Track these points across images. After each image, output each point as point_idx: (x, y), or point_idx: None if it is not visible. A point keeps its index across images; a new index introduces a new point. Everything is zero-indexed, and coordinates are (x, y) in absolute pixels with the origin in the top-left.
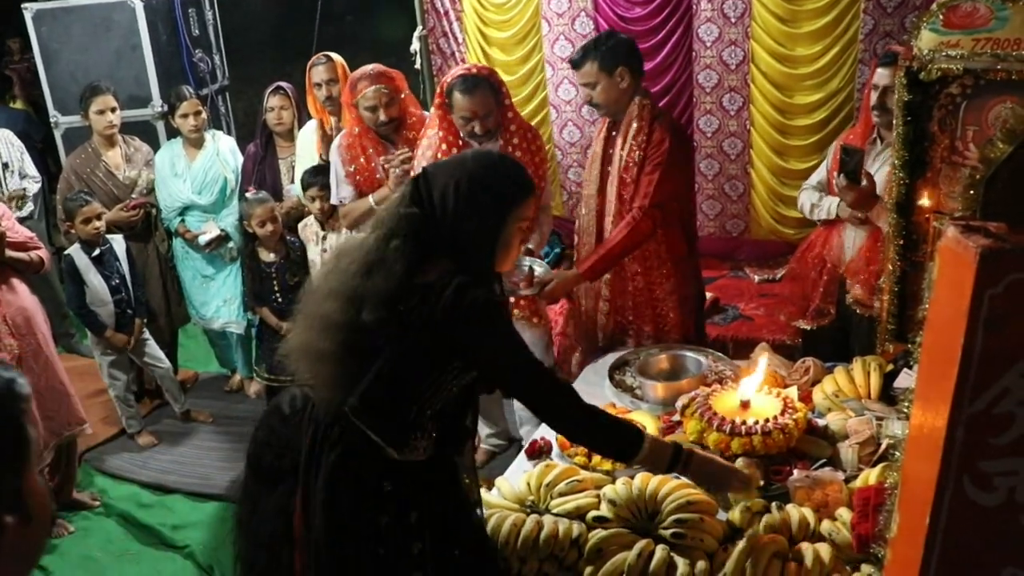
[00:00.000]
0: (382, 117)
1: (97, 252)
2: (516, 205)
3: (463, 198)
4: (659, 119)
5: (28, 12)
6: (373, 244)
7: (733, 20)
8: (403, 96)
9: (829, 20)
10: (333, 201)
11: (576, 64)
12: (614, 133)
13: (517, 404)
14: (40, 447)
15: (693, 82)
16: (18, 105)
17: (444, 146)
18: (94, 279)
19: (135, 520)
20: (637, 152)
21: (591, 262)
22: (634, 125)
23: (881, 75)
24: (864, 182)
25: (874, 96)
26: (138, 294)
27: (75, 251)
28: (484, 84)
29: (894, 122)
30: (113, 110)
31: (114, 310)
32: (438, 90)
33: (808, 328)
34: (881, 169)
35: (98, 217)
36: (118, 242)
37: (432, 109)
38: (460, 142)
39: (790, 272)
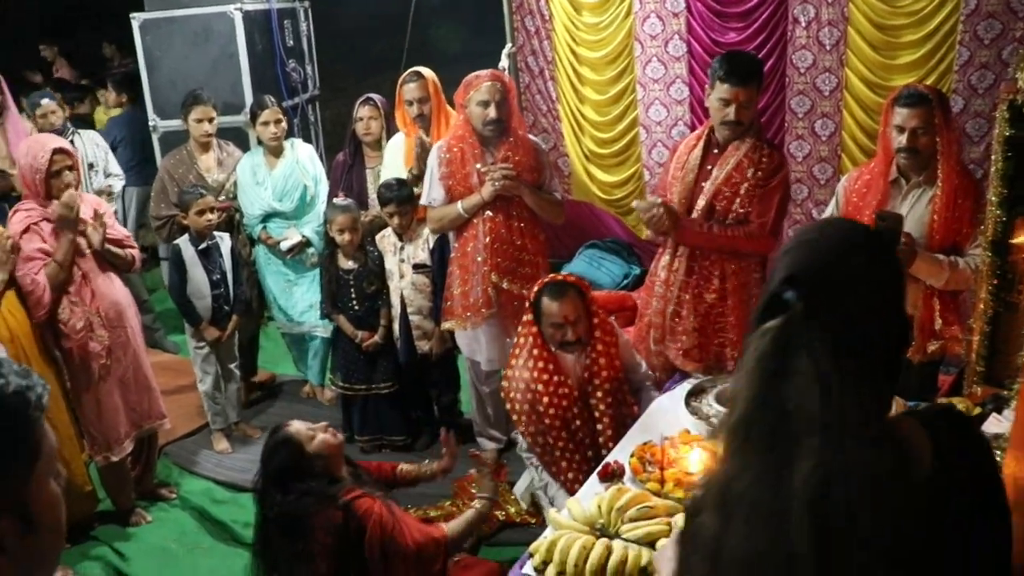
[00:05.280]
0: (492, 114)
1: (204, 246)
2: None
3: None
4: (771, 144)
5: (136, 21)
6: None
7: (828, 48)
8: (513, 104)
9: (925, 51)
10: (423, 202)
11: (742, 83)
12: (715, 150)
13: None
14: (57, 458)
15: (786, 107)
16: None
17: (540, 363)
18: (197, 271)
19: (208, 515)
20: (751, 170)
21: (701, 225)
22: (748, 143)
23: (908, 115)
24: (903, 242)
25: (901, 138)
26: (237, 292)
27: (183, 242)
28: (572, 290)
29: (993, 157)
30: (211, 120)
31: (211, 304)
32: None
33: None
34: (914, 209)
35: (211, 210)
36: (225, 240)
37: (518, 341)
38: (553, 357)
39: None
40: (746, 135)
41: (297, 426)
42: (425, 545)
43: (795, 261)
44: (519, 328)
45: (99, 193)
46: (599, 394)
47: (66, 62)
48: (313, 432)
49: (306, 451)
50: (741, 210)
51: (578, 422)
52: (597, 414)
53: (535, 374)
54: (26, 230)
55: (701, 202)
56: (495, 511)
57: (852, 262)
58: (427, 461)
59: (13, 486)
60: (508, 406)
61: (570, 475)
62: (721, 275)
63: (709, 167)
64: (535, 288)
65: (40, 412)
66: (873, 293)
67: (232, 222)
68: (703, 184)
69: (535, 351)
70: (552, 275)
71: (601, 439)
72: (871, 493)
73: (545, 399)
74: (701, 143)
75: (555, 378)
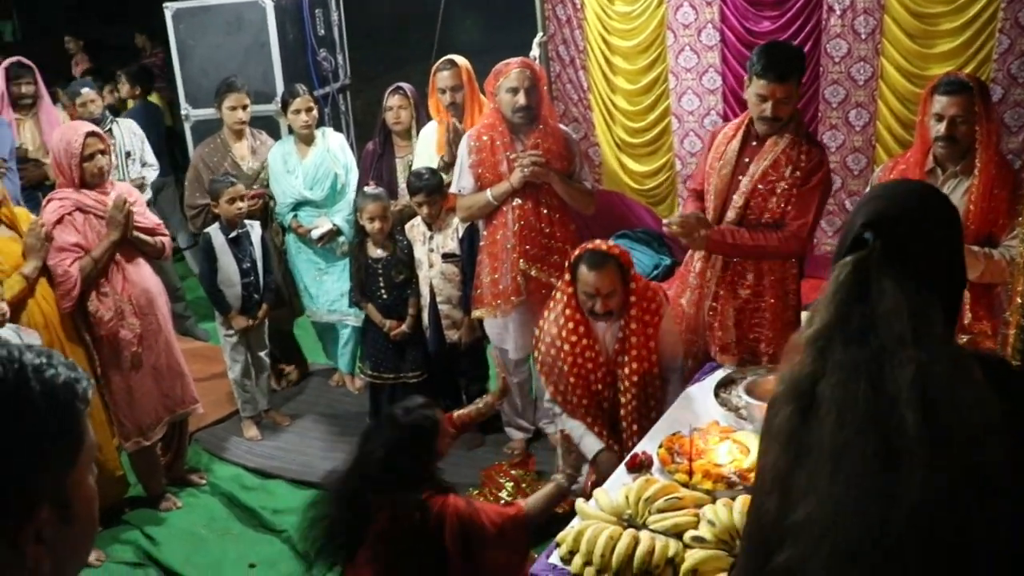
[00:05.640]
0: (521, 101)
1: (234, 234)
2: None
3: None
4: (811, 139)
5: (168, 10)
6: None
7: (863, 36)
8: (543, 91)
9: (964, 39)
10: (452, 190)
11: (780, 79)
12: (754, 142)
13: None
14: (95, 452)
15: (819, 96)
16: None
17: (571, 324)
18: (227, 260)
19: (238, 501)
20: (788, 167)
21: (728, 231)
22: (787, 138)
23: (948, 103)
24: None
25: (939, 126)
26: (267, 280)
27: (214, 230)
28: (611, 261)
29: None
30: (244, 107)
31: (240, 293)
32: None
33: None
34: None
35: (241, 199)
36: (255, 229)
37: (554, 305)
38: (585, 321)
39: None
40: (785, 129)
41: (442, 415)
42: (504, 525)
43: (873, 209)
44: (557, 284)
45: (133, 183)
46: (626, 370)
47: (87, 57)
48: (446, 432)
49: (435, 439)
50: (778, 209)
51: (600, 387)
52: (622, 387)
53: (564, 333)
54: (59, 220)
55: (738, 199)
56: (524, 501)
57: (921, 210)
58: (474, 405)
59: (56, 476)
60: (535, 354)
61: (595, 430)
62: (756, 272)
63: (747, 160)
64: (577, 251)
65: (85, 405)
66: (938, 237)
67: (267, 210)
68: (739, 178)
69: (567, 311)
70: (597, 242)
71: (622, 412)
72: (974, 394)
73: (570, 359)
74: (740, 134)
75: (583, 341)
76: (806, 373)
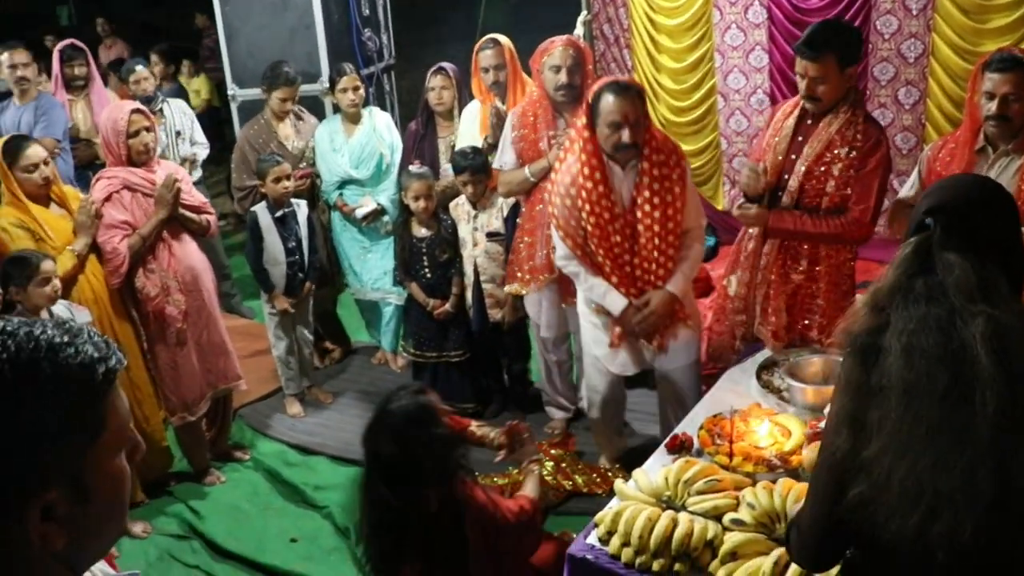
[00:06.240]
0: (563, 79)
1: (281, 213)
2: None
3: None
4: (869, 118)
5: None
6: None
7: (915, 12)
8: (587, 70)
9: (1021, 14)
10: (495, 166)
11: (811, 56)
12: (809, 121)
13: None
14: (128, 429)
15: (868, 74)
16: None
17: (587, 170)
18: (273, 239)
19: (280, 477)
20: (843, 148)
21: (788, 216)
22: (841, 117)
23: (1000, 81)
24: None
25: (991, 105)
26: (312, 259)
27: (260, 209)
28: (634, 90)
29: None
30: (294, 100)
31: (286, 271)
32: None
33: None
34: (1000, 178)
35: (288, 177)
36: (302, 208)
37: (571, 134)
38: (602, 166)
39: None
40: (840, 107)
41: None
42: (521, 515)
43: (935, 199)
44: (571, 133)
45: (183, 161)
46: (647, 220)
47: (121, 40)
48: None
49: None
50: (836, 195)
51: (619, 238)
52: (643, 240)
53: (580, 179)
54: (108, 198)
55: (792, 182)
56: (563, 480)
57: (979, 198)
58: (496, 431)
59: (67, 458)
60: (551, 209)
61: (614, 279)
62: (811, 258)
63: (800, 138)
64: (593, 88)
65: (108, 385)
66: (994, 222)
67: (314, 188)
68: (793, 158)
69: (583, 156)
70: (614, 76)
71: (643, 266)
72: None
73: (587, 207)
74: (797, 111)
75: (599, 188)
76: (870, 326)
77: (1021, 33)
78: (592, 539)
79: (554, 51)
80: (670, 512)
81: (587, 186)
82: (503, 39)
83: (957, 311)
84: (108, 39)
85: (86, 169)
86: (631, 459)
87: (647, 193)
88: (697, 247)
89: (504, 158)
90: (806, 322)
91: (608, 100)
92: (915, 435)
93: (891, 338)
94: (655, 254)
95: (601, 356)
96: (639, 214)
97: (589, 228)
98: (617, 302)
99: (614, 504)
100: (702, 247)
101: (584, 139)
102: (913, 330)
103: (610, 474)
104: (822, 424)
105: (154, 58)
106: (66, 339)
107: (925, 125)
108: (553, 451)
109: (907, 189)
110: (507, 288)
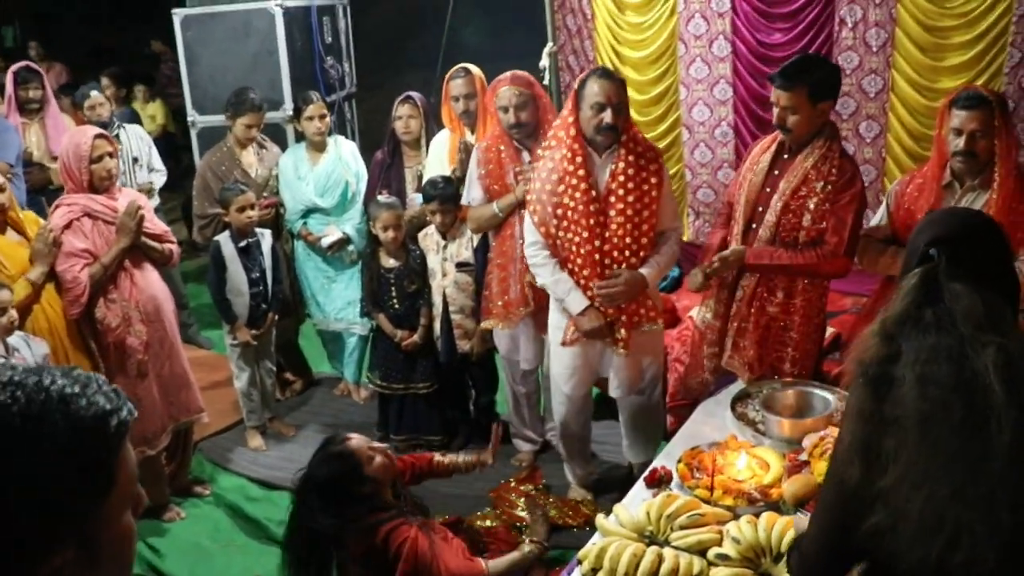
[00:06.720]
0: (511, 119)
1: (244, 243)
2: None
3: None
4: (844, 154)
5: (177, 17)
6: None
7: (875, 49)
8: (540, 103)
9: (975, 53)
10: (463, 202)
11: (783, 86)
12: (785, 156)
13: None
14: (135, 483)
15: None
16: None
17: (569, 153)
18: (236, 268)
19: (242, 512)
20: (819, 183)
21: (765, 251)
22: (816, 152)
23: (967, 118)
24: None
25: (959, 141)
26: (276, 290)
27: (224, 239)
28: (619, 78)
29: None
30: (259, 127)
31: (249, 302)
32: (567, 108)
33: None
34: None
35: (252, 207)
36: (266, 237)
37: (555, 134)
38: (584, 151)
39: None
40: (816, 142)
41: (359, 442)
42: (463, 573)
43: (934, 231)
44: (555, 123)
45: (140, 189)
46: (620, 205)
47: (59, 63)
48: (373, 453)
49: (363, 472)
50: (812, 228)
51: (592, 222)
52: (614, 226)
53: (564, 163)
54: (68, 225)
55: (769, 216)
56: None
57: (977, 229)
58: (463, 452)
59: (79, 518)
60: (529, 197)
61: (579, 262)
62: (788, 291)
63: (777, 172)
64: (580, 77)
65: (120, 439)
66: (992, 251)
67: (278, 218)
68: (769, 192)
69: (567, 140)
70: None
71: (607, 247)
72: None
73: (567, 192)
74: (774, 146)
75: (579, 172)
76: (881, 356)
77: (976, 71)
78: (576, 575)
79: (500, 91)
80: (655, 548)
81: (568, 169)
82: (474, 68)
83: (967, 340)
84: (44, 63)
85: (39, 194)
86: (599, 487)
87: (621, 179)
88: (673, 245)
89: (472, 194)
90: (778, 355)
91: (593, 83)
92: (932, 465)
93: (904, 368)
94: (625, 241)
95: (557, 375)
96: (612, 199)
97: (563, 211)
98: (578, 301)
99: (596, 539)
100: (678, 248)
101: (568, 124)
102: (926, 360)
103: (581, 506)
104: (801, 456)
105: (105, 81)
106: (77, 389)
107: (885, 159)
108: (522, 487)
109: (875, 221)
110: (484, 324)
